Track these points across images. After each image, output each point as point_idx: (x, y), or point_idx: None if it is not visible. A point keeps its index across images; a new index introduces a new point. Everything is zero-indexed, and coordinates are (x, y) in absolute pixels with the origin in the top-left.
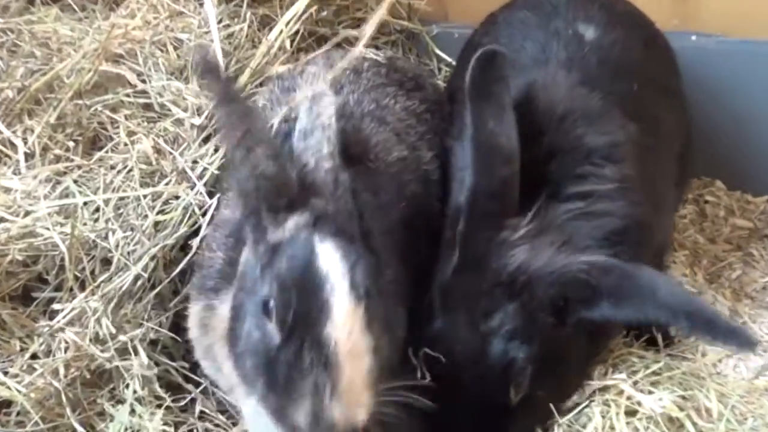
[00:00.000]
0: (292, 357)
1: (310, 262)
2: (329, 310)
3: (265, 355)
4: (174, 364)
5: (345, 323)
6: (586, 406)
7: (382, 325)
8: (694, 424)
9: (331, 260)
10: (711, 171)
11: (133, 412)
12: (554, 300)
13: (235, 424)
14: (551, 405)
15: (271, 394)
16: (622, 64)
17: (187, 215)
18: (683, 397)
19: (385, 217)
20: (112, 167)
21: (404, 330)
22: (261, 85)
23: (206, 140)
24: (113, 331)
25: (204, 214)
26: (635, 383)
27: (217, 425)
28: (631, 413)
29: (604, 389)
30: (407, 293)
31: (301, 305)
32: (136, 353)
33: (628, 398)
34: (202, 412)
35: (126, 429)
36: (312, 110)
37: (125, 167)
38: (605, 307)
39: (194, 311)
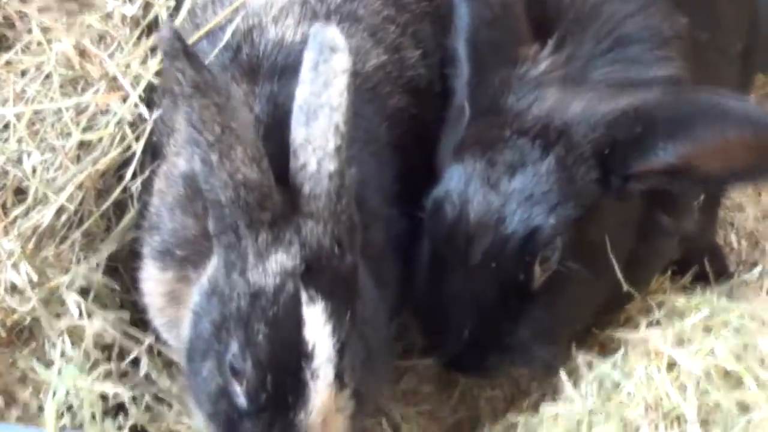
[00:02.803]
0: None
1: (295, 334)
2: (307, 397)
3: (229, 413)
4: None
5: (322, 412)
6: (623, 355)
7: (364, 393)
8: (756, 378)
9: (318, 334)
10: None
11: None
12: (598, 146)
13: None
14: (587, 298)
15: None
16: None
17: (120, 133)
18: (742, 346)
19: (365, 148)
20: (24, 73)
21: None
22: None
23: (142, 37)
24: (34, 277)
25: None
26: (680, 331)
27: (161, 399)
28: (675, 366)
29: (636, 342)
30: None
31: (277, 385)
32: (63, 304)
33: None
34: (146, 375)
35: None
36: (318, 74)
37: (40, 73)
38: (661, 147)
39: (159, 278)
